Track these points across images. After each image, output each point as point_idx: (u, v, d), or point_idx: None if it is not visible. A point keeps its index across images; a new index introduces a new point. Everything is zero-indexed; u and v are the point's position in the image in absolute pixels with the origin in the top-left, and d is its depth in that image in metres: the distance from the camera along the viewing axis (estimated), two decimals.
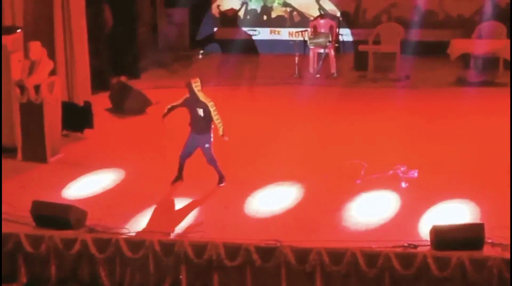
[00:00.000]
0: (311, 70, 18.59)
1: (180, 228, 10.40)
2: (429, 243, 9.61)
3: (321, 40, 18.35)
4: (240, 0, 21.24)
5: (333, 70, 18.38)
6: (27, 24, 14.01)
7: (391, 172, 11.83)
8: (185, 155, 11.71)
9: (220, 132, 11.55)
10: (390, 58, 18.56)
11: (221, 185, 11.74)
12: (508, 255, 9.32)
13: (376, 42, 18.75)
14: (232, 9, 21.24)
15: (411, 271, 9.41)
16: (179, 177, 11.80)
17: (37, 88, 12.89)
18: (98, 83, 16.13)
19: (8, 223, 10.41)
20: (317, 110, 15.59)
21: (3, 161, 12.34)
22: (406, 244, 9.62)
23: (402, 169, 11.82)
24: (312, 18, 20.24)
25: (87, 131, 14.17)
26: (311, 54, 18.58)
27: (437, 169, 12.24)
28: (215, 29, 21.33)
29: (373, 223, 10.39)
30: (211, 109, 11.44)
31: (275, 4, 21.20)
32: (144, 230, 10.30)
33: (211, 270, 9.79)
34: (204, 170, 11.76)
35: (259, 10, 21.25)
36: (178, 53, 20.55)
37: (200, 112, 11.49)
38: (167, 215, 10.93)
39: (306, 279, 9.64)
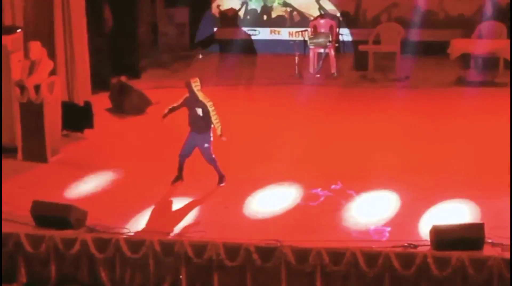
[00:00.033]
0: (311, 70, 18.59)
1: (180, 228, 10.41)
2: (429, 243, 9.62)
3: (321, 40, 18.34)
4: (240, 0, 21.23)
5: (333, 70, 18.37)
6: (27, 24, 14.01)
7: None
8: (185, 154, 11.71)
9: (218, 132, 11.56)
10: (390, 58, 18.55)
11: (221, 185, 11.74)
12: (508, 255, 9.32)
13: (376, 42, 18.74)
14: (232, 9, 21.23)
15: (411, 271, 9.41)
16: (179, 177, 11.80)
17: (37, 88, 12.89)
18: (98, 83, 16.11)
19: (8, 223, 10.42)
20: (317, 110, 15.58)
21: (3, 161, 12.34)
22: (406, 244, 9.63)
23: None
24: (312, 18, 20.24)
25: (87, 131, 14.17)
26: (311, 54, 18.58)
27: (437, 169, 12.24)
28: (215, 29, 21.32)
29: (373, 223, 10.39)
30: (210, 109, 11.45)
31: (275, 4, 21.18)
32: (144, 230, 10.30)
33: (211, 270, 9.79)
34: (204, 170, 11.76)
35: (259, 10, 21.24)
36: (178, 53, 20.54)
37: (199, 111, 11.50)
38: (167, 215, 10.93)
39: (306, 279, 9.65)
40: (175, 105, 11.73)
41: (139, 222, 10.53)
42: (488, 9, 19.04)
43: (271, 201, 11.27)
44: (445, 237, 9.49)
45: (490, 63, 17.76)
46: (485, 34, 18.26)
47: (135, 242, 9.95)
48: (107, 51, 17.36)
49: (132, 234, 10.14)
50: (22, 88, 12.93)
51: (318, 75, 18.40)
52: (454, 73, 17.83)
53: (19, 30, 13.42)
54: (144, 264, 9.95)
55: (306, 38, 18.67)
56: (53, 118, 13.13)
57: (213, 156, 11.66)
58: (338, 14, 20.52)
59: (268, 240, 9.75)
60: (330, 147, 13.38)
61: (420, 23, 19.36)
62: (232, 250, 9.72)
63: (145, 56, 19.49)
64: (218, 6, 21.29)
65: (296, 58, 18.25)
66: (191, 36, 21.30)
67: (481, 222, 9.87)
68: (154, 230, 10.22)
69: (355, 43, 19.56)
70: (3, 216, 10.54)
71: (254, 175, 12.08)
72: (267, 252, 9.66)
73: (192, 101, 11.56)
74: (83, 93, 14.75)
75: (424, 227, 10.05)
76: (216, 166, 11.70)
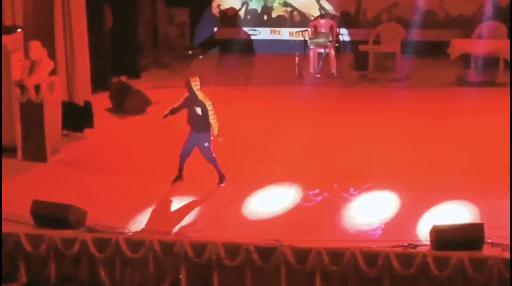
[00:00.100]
0: (311, 70, 18.58)
1: (180, 228, 10.40)
2: (429, 243, 9.61)
3: (321, 40, 18.34)
4: (241, 0, 21.22)
5: (333, 70, 18.37)
6: (27, 24, 14.01)
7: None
8: (185, 154, 11.71)
9: (215, 133, 11.56)
10: (390, 58, 18.56)
11: (221, 185, 11.74)
12: (508, 255, 9.32)
13: (376, 42, 18.74)
14: (232, 8, 21.23)
15: (411, 271, 9.41)
16: (179, 177, 11.80)
17: (37, 87, 12.89)
18: (98, 83, 16.12)
19: (8, 222, 10.41)
20: (317, 110, 15.58)
21: (3, 161, 12.34)
22: (406, 244, 9.62)
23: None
24: (312, 18, 20.24)
25: (87, 131, 14.17)
26: (311, 54, 18.58)
27: (437, 169, 12.24)
28: (215, 29, 21.32)
29: (373, 223, 10.39)
30: (209, 109, 11.46)
31: (276, 4, 21.17)
32: (143, 230, 10.30)
33: (211, 270, 9.79)
34: (204, 170, 11.76)
35: (259, 10, 21.23)
36: (178, 53, 20.54)
37: (198, 111, 11.50)
38: (167, 215, 10.93)
39: (306, 279, 9.64)
40: (175, 106, 11.73)
41: (139, 222, 10.53)
42: (488, 9, 19.04)
43: (271, 201, 11.27)
44: (445, 237, 9.48)
45: (490, 63, 17.75)
46: (485, 34, 18.26)
47: (135, 242, 9.95)
48: (107, 51, 17.36)
49: (131, 234, 10.13)
50: (22, 88, 12.93)
51: (318, 75, 18.39)
52: (454, 73, 17.83)
53: (19, 30, 13.43)
54: (143, 264, 9.94)
55: (307, 38, 18.66)
56: (53, 118, 13.13)
57: (214, 155, 11.66)
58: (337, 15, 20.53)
59: (268, 240, 9.75)
60: (330, 147, 13.38)
61: (420, 23, 19.35)
62: (232, 250, 9.71)
63: (145, 56, 19.50)
64: (219, 5, 21.29)
65: (296, 58, 18.24)
66: (191, 36, 21.30)
67: (481, 222, 9.87)
68: (154, 230, 10.22)
69: (355, 43, 19.56)
70: (3, 215, 10.54)
71: (254, 175, 12.07)
72: (267, 252, 9.65)
73: (191, 100, 11.56)
74: (83, 93, 14.76)
75: (424, 227, 10.05)
76: (217, 165, 11.70)
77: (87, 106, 14.30)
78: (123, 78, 16.68)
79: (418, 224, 10.29)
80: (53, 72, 13.44)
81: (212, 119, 11.50)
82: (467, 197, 11.03)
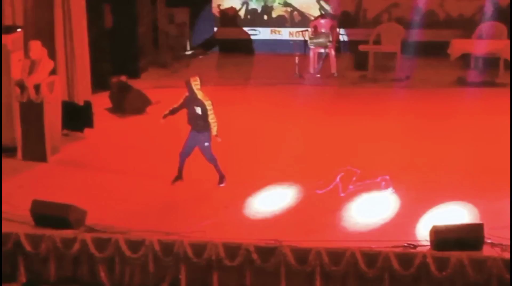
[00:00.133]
0: (311, 70, 18.58)
1: (180, 228, 10.40)
2: (428, 243, 9.61)
3: (321, 40, 18.35)
4: (241, 0, 21.23)
5: (334, 70, 18.37)
6: (27, 24, 14.00)
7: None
8: (185, 153, 11.71)
9: (214, 132, 11.56)
10: (391, 58, 18.56)
11: (221, 185, 11.74)
12: (507, 255, 9.33)
13: (377, 42, 18.74)
14: (232, 8, 21.23)
15: (411, 271, 9.41)
16: (179, 177, 11.80)
17: (37, 87, 12.89)
18: (98, 82, 16.12)
19: (7, 222, 10.42)
20: (317, 110, 15.57)
21: (3, 161, 12.34)
22: (405, 244, 9.62)
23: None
24: (312, 18, 20.24)
25: (87, 131, 14.17)
26: (311, 54, 18.58)
27: (437, 169, 12.23)
28: (215, 29, 21.32)
29: (372, 223, 10.39)
30: (208, 108, 11.46)
31: (276, 4, 21.18)
32: (143, 230, 10.29)
33: (211, 270, 9.79)
34: (204, 170, 11.76)
35: (259, 10, 21.24)
36: (178, 53, 20.55)
37: (198, 110, 11.50)
38: (167, 215, 10.92)
39: (305, 279, 9.65)
40: (175, 106, 11.72)
41: (138, 222, 10.52)
42: (489, 10, 19.05)
43: (271, 201, 11.26)
44: (444, 237, 9.48)
45: (490, 63, 17.77)
46: (485, 35, 18.27)
47: (135, 242, 9.95)
48: (107, 51, 17.36)
49: (131, 233, 10.13)
50: (22, 87, 12.93)
51: (318, 75, 18.40)
52: (454, 73, 17.83)
53: (19, 30, 13.43)
54: (143, 264, 9.95)
55: (307, 38, 18.67)
56: (53, 117, 13.13)
57: (214, 155, 11.66)
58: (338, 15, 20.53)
59: (268, 240, 9.75)
60: (330, 147, 13.38)
61: (420, 23, 19.37)
62: (232, 250, 9.71)
63: (145, 56, 19.50)
64: (219, 5, 21.29)
65: (297, 58, 18.25)
66: (191, 36, 21.30)
67: (481, 222, 9.87)
68: (153, 230, 10.22)
69: (355, 43, 19.55)
70: (3, 215, 10.54)
71: (254, 175, 12.07)
72: (266, 252, 9.66)
73: (191, 100, 11.56)
74: (83, 92, 14.75)
75: (424, 227, 10.04)
76: (217, 165, 11.70)
77: (87, 106, 14.30)
78: (123, 78, 16.67)
79: (418, 224, 10.28)
80: (53, 72, 13.44)
81: (211, 119, 11.50)
82: (467, 197, 11.03)
